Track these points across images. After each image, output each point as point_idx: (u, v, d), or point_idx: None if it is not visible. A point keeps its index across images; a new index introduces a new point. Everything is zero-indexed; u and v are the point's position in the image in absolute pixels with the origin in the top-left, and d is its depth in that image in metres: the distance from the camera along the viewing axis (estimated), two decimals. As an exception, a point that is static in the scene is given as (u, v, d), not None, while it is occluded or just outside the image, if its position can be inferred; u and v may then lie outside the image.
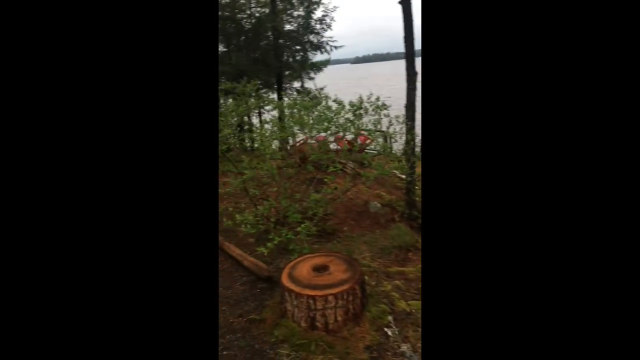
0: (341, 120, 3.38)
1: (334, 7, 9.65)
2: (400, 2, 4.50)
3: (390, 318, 2.29)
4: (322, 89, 9.64)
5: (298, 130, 3.59)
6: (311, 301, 2.11)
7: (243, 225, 2.80)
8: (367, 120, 3.63)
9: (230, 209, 3.83)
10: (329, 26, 9.69)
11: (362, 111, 3.38)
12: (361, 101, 3.43)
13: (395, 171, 3.96)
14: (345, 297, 2.14)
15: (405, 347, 2.07)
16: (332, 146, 4.28)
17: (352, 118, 3.39)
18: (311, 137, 3.78)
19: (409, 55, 4.44)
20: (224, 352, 2.10)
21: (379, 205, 4.95)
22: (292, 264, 2.48)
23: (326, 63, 10.60)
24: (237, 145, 3.86)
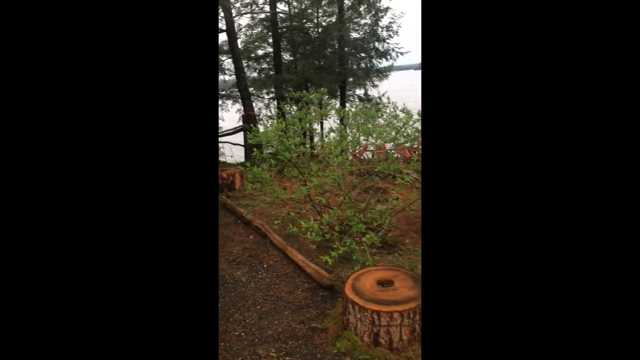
0: (409, 130, 3.28)
1: (401, 12, 9.50)
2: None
3: (459, 343, 2.15)
4: (384, 94, 9.51)
5: (364, 139, 3.56)
6: (375, 316, 2.06)
7: (308, 233, 2.83)
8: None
9: (292, 214, 3.92)
10: (395, 33, 9.57)
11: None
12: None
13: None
14: (411, 315, 2.05)
15: (477, 377, 1.92)
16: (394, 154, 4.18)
17: (420, 128, 3.27)
18: (373, 145, 3.73)
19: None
20: (287, 358, 2.13)
21: (443, 218, 4.71)
22: (355, 275, 2.45)
23: (390, 69, 10.45)
24: (303, 153, 3.94)
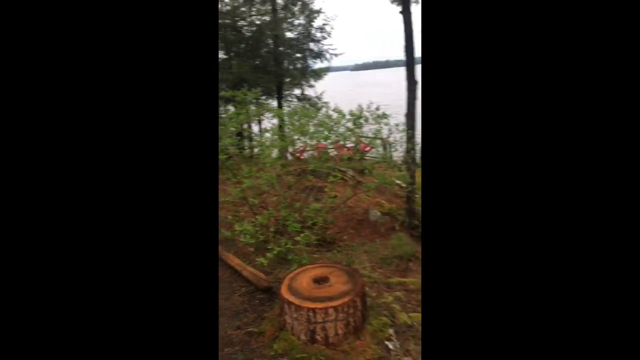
0: (341, 129, 3.37)
1: (334, 15, 9.73)
2: (401, 12, 4.53)
3: (391, 331, 2.25)
4: (321, 94, 9.67)
5: (297, 139, 3.58)
6: (311, 314, 2.07)
7: (242, 236, 2.77)
8: (367, 129, 3.62)
9: (230, 217, 3.80)
10: (329, 34, 9.77)
11: (362, 120, 3.38)
12: (361, 110, 3.42)
13: (395, 180, 3.94)
14: (346, 309, 2.10)
15: (407, 362, 2.03)
16: (332, 153, 4.27)
17: (352, 127, 3.38)
18: (311, 146, 3.76)
19: (409, 64, 4.45)
20: (222, 366, 2.06)
21: (379, 214, 4.92)
22: (291, 275, 2.45)
23: (326, 70, 10.65)
24: (237, 154, 3.84)
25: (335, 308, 2.07)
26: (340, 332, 2.09)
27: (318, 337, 2.08)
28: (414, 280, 3.06)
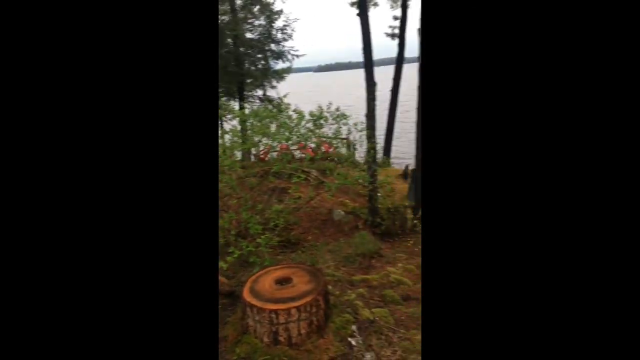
0: (302, 130, 3.38)
1: (295, 18, 9.72)
2: (358, 15, 4.62)
3: (354, 327, 2.29)
4: (285, 96, 9.63)
5: (259, 140, 3.55)
6: (273, 315, 2.06)
7: (202, 240, 2.70)
8: (328, 130, 3.66)
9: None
10: (290, 36, 9.75)
11: (322, 121, 3.41)
12: (321, 111, 3.46)
13: (358, 179, 4.02)
14: (308, 309, 2.11)
15: (369, 356, 2.07)
16: (297, 154, 4.27)
17: (312, 127, 3.40)
18: (272, 148, 3.75)
19: (367, 65, 4.56)
20: (182, 375, 1.99)
21: (342, 213, 4.99)
22: (253, 277, 2.42)
23: (288, 71, 10.63)
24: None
25: (297, 308, 2.07)
26: (303, 331, 2.10)
27: (281, 338, 2.08)
28: (376, 276, 3.13)
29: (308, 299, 2.12)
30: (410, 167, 6.77)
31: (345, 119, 3.47)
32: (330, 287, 2.78)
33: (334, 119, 3.45)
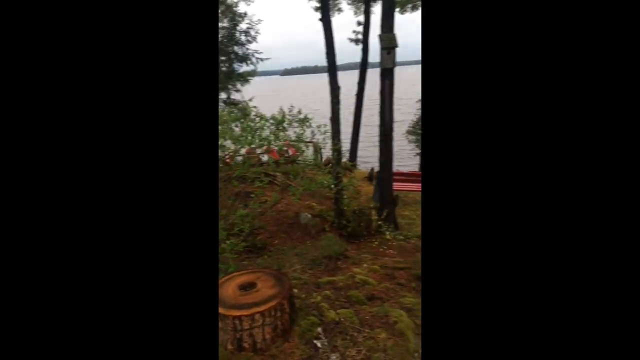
0: (265, 133, 3.36)
1: (259, 20, 9.65)
2: (320, 20, 4.68)
3: (319, 329, 2.30)
4: (250, 99, 9.52)
5: (221, 144, 3.48)
6: (237, 322, 2.03)
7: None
8: (292, 133, 3.66)
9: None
10: (254, 38, 9.66)
11: (285, 124, 3.41)
12: (283, 114, 3.45)
13: (323, 181, 4.05)
14: (273, 313, 2.09)
15: (334, 357, 2.09)
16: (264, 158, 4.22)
17: (275, 131, 3.39)
18: (235, 151, 3.69)
19: (331, 69, 4.62)
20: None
21: (309, 216, 5.00)
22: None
23: (253, 74, 10.51)
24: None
25: (261, 313, 2.05)
26: (268, 336, 2.08)
27: (245, 345, 2.04)
28: (342, 277, 3.16)
29: (272, 303, 2.11)
30: (376, 170, 6.92)
31: (308, 122, 3.49)
32: (296, 290, 2.78)
33: (297, 122, 3.46)
